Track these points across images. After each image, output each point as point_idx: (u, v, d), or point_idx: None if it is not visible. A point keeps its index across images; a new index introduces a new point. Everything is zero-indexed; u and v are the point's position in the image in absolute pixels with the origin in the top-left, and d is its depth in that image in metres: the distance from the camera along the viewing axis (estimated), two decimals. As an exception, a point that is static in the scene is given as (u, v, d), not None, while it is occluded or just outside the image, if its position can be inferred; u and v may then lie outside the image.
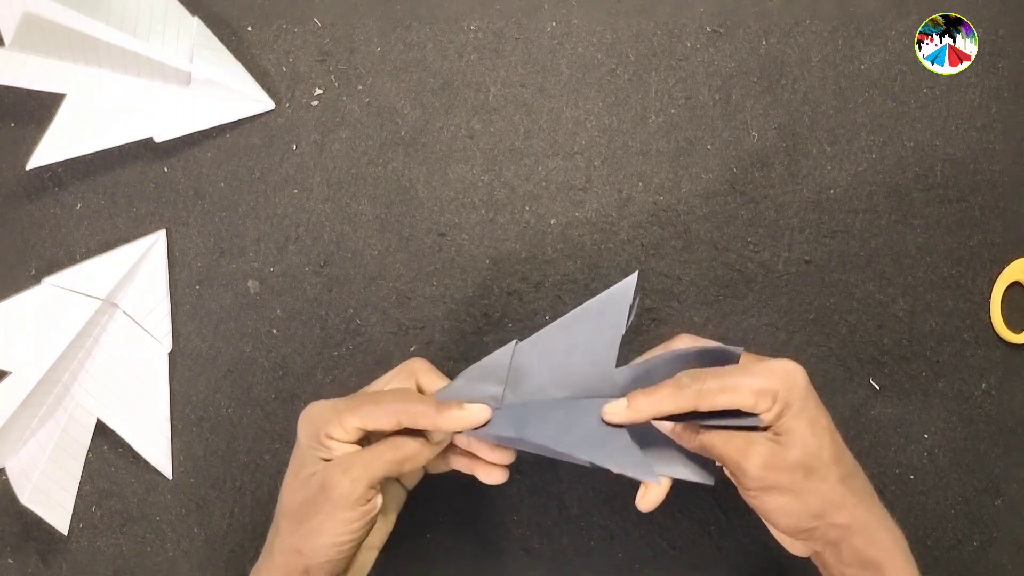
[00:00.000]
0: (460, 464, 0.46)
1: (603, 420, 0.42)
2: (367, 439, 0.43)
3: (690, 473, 0.44)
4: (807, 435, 0.39)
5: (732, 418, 0.40)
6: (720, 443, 0.41)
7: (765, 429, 0.40)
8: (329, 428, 0.41)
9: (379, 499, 0.42)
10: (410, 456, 0.42)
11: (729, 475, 0.42)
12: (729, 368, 0.41)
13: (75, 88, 0.51)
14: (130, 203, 0.53)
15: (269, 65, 0.53)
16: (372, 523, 0.42)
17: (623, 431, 0.41)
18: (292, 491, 0.42)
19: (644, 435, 0.43)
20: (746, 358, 0.42)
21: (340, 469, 0.41)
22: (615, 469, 0.41)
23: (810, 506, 0.39)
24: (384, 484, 0.44)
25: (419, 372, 0.46)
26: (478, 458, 0.45)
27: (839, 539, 0.40)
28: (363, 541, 0.43)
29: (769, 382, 0.39)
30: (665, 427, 0.44)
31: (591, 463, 0.41)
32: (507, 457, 0.45)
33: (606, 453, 0.41)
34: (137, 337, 0.53)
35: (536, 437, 0.41)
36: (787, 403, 0.39)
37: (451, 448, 0.46)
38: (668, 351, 0.43)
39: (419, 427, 0.42)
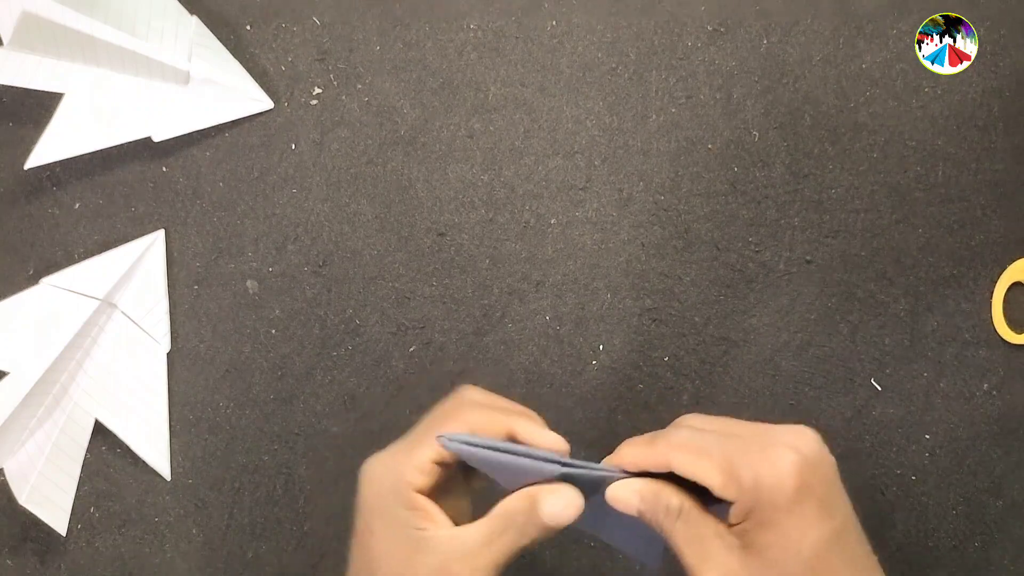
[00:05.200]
0: None
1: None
2: (444, 483, 0.37)
3: (633, 549, 0.40)
4: (781, 551, 0.31)
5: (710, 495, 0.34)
6: (682, 538, 0.34)
7: (732, 526, 0.33)
8: (407, 476, 0.35)
9: None
10: (544, 538, 0.35)
11: None
12: (725, 425, 0.35)
13: (73, 87, 0.51)
14: (128, 203, 0.53)
15: (268, 64, 0.53)
16: None
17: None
18: (382, 562, 0.35)
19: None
20: (756, 427, 0.35)
21: (466, 565, 0.34)
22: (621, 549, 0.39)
23: None
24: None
25: (478, 403, 0.38)
26: None
27: None
28: None
29: (744, 468, 0.32)
30: (631, 497, 0.35)
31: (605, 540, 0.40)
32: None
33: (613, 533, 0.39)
34: (135, 337, 0.53)
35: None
36: (759, 502, 0.31)
37: None
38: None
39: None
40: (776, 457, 0.32)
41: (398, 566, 0.35)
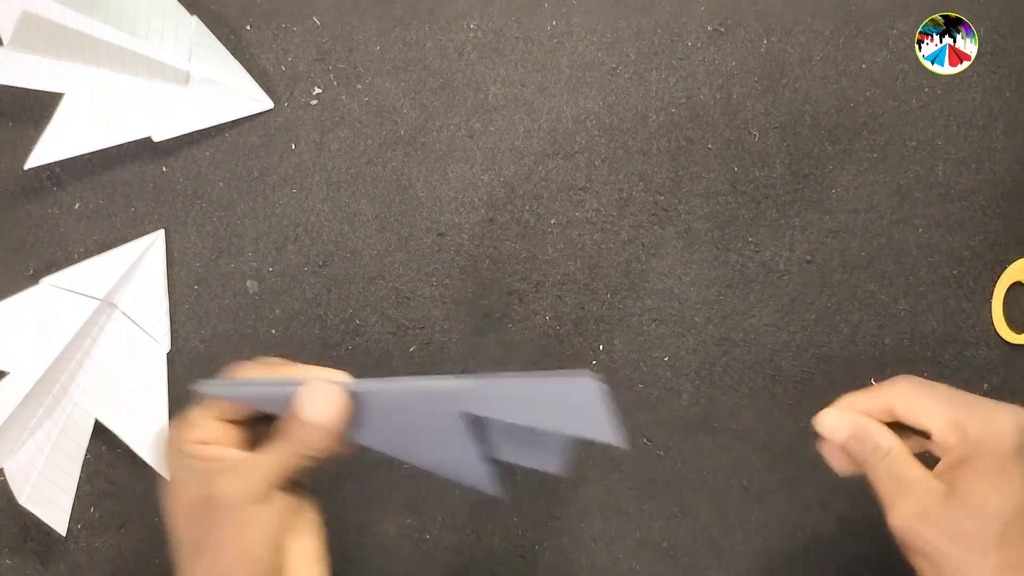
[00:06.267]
0: None
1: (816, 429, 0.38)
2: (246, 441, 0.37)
3: (535, 460, 0.37)
4: (987, 498, 0.33)
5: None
6: (885, 473, 0.36)
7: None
8: (185, 433, 0.35)
9: (289, 499, 0.36)
10: (318, 440, 0.35)
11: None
12: (941, 387, 0.37)
13: (73, 87, 0.51)
14: (128, 203, 0.53)
15: (268, 64, 0.53)
16: (289, 525, 0.36)
17: (465, 441, 0.35)
18: (180, 524, 0.35)
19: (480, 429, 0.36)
20: (957, 394, 0.37)
21: (230, 472, 0.34)
22: (461, 480, 0.37)
23: None
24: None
25: (259, 362, 0.39)
26: None
27: None
28: (287, 550, 0.36)
29: (971, 418, 0.35)
30: (843, 427, 0.38)
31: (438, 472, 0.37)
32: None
33: (449, 464, 0.37)
34: (135, 337, 0.53)
35: (376, 440, 0.36)
36: (977, 453, 0.34)
37: None
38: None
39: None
40: (1003, 417, 0.34)
41: (182, 498, 0.35)
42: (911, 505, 0.35)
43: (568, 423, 0.33)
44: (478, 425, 0.35)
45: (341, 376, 0.36)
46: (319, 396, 0.35)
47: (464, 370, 0.53)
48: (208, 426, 0.36)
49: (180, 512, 0.35)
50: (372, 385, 0.35)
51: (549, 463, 0.36)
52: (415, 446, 0.36)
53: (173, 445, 0.36)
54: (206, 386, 0.36)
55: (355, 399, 0.35)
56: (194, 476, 0.35)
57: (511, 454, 0.37)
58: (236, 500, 0.34)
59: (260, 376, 0.37)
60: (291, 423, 0.35)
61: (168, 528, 0.36)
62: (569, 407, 0.33)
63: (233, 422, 0.37)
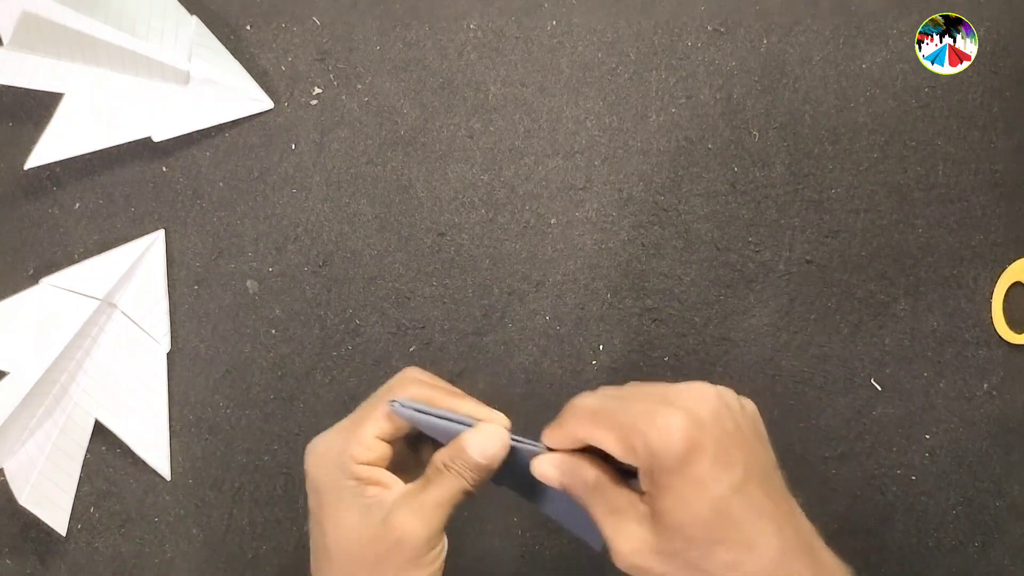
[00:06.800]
0: None
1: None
2: (396, 461, 0.38)
3: (578, 528, 0.38)
4: (682, 513, 0.31)
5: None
6: (599, 511, 0.34)
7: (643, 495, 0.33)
8: (351, 451, 0.35)
9: (445, 541, 0.37)
10: (479, 477, 0.36)
11: None
12: (629, 390, 0.34)
13: (73, 87, 0.51)
14: (128, 203, 0.53)
15: (268, 64, 0.53)
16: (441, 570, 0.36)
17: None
18: (345, 547, 0.35)
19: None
20: (657, 390, 0.34)
21: (408, 509, 0.34)
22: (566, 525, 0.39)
23: None
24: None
25: (421, 380, 0.39)
26: None
27: None
28: None
29: (633, 433, 0.31)
30: (551, 471, 0.36)
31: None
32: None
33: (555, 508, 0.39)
34: (135, 337, 0.52)
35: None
36: (655, 467, 0.31)
37: None
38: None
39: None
40: (663, 420, 0.31)
41: (350, 534, 0.35)
42: (626, 540, 0.32)
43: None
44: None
45: (506, 422, 0.37)
46: (493, 439, 0.36)
47: (464, 370, 0.53)
48: (374, 446, 0.36)
49: (344, 536, 0.35)
50: (516, 443, 0.37)
51: (588, 536, 0.37)
52: (542, 494, 0.38)
53: (335, 459, 0.35)
54: (401, 407, 0.36)
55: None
56: (360, 501, 0.35)
57: (560, 515, 0.39)
58: (416, 537, 0.34)
59: (443, 406, 0.37)
60: (461, 459, 0.36)
61: (321, 544, 0.36)
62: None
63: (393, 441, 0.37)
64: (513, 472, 0.37)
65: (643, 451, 0.31)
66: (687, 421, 0.31)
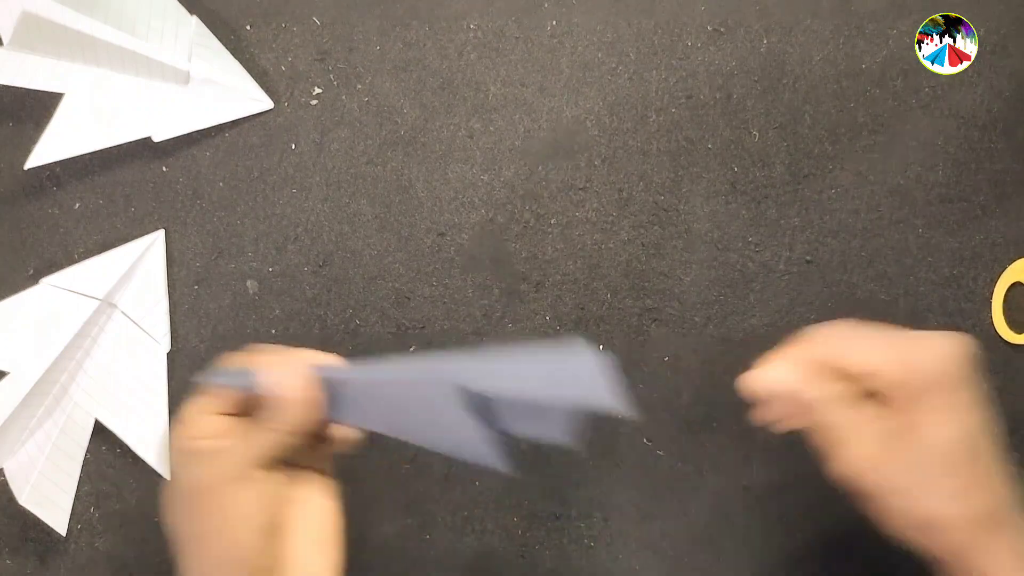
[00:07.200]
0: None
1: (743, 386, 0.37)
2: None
3: (541, 432, 0.35)
4: (943, 430, 0.34)
5: None
6: (828, 419, 0.36)
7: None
8: (182, 430, 0.36)
9: (274, 477, 0.36)
10: (284, 420, 0.35)
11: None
12: (878, 327, 0.36)
13: (73, 87, 0.51)
14: (128, 203, 0.53)
15: (268, 64, 0.53)
16: (280, 504, 0.36)
17: (464, 416, 0.34)
18: (175, 521, 0.36)
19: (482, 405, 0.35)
20: (894, 334, 0.37)
21: (207, 460, 0.35)
22: (464, 458, 0.35)
23: (915, 517, 0.35)
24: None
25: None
26: None
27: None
28: (286, 531, 0.35)
29: (917, 353, 0.34)
30: (787, 376, 0.37)
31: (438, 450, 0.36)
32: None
33: (450, 441, 0.35)
34: (135, 337, 0.52)
35: (374, 421, 0.36)
36: (928, 385, 0.34)
37: None
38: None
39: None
40: (948, 348, 0.34)
41: (182, 501, 0.35)
42: (865, 447, 0.35)
43: (569, 394, 0.32)
44: (477, 399, 0.34)
45: (331, 359, 0.36)
46: (286, 372, 0.35)
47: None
48: (205, 421, 0.36)
49: (174, 509, 0.36)
50: (365, 367, 0.36)
51: (556, 434, 0.34)
52: (413, 424, 0.36)
53: (173, 444, 0.36)
54: (205, 377, 0.36)
55: (346, 378, 0.36)
56: (185, 470, 0.35)
57: (516, 426, 0.35)
58: (215, 483, 0.34)
59: (255, 364, 0.37)
60: (264, 402, 0.35)
61: (167, 529, 0.36)
62: (567, 379, 0.32)
63: (234, 414, 0.37)
64: (377, 404, 0.36)
65: (923, 371, 0.34)
66: (964, 351, 0.35)
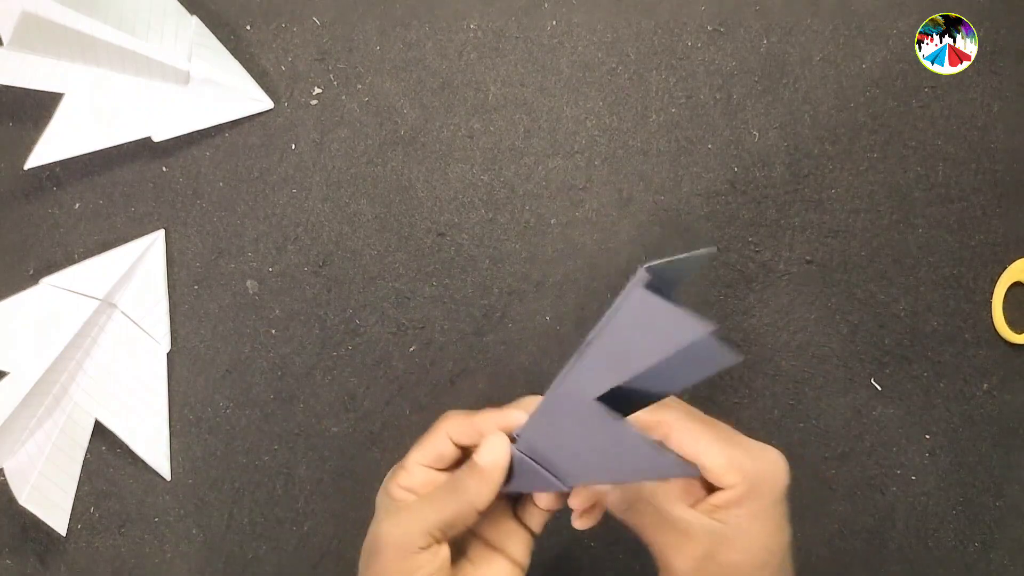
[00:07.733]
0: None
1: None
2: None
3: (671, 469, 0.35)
4: (760, 540, 0.34)
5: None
6: (650, 524, 0.36)
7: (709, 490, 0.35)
8: (396, 477, 0.37)
9: (444, 550, 0.36)
10: (469, 495, 0.35)
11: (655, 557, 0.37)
12: (714, 422, 0.36)
13: (73, 87, 0.51)
14: (128, 203, 0.53)
15: (268, 64, 0.53)
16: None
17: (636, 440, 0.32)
18: (361, 561, 0.37)
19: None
20: (729, 431, 0.37)
21: (391, 517, 0.36)
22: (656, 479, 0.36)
23: None
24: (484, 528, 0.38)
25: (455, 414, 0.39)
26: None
27: None
28: None
29: (746, 458, 0.35)
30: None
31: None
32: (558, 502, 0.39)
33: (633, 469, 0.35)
34: (135, 337, 0.52)
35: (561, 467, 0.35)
36: (753, 492, 0.34)
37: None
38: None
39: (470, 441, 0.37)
40: (773, 459, 0.36)
41: (366, 546, 0.38)
42: (693, 548, 0.34)
43: (681, 355, 0.30)
44: (615, 399, 0.32)
45: (517, 416, 0.37)
46: (492, 446, 0.36)
47: (464, 370, 0.53)
48: (420, 473, 0.37)
49: (363, 554, 0.37)
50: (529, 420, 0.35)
51: (700, 373, 0.32)
52: (584, 459, 0.35)
53: (384, 486, 0.38)
54: (514, 448, 0.36)
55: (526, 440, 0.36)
56: (375, 520, 0.37)
57: (660, 388, 0.34)
58: (391, 543, 0.35)
59: (488, 421, 0.38)
60: (462, 472, 0.36)
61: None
62: (650, 332, 0.31)
63: (447, 470, 0.38)
64: (547, 448, 0.35)
65: (751, 477, 0.34)
66: (787, 468, 0.36)
